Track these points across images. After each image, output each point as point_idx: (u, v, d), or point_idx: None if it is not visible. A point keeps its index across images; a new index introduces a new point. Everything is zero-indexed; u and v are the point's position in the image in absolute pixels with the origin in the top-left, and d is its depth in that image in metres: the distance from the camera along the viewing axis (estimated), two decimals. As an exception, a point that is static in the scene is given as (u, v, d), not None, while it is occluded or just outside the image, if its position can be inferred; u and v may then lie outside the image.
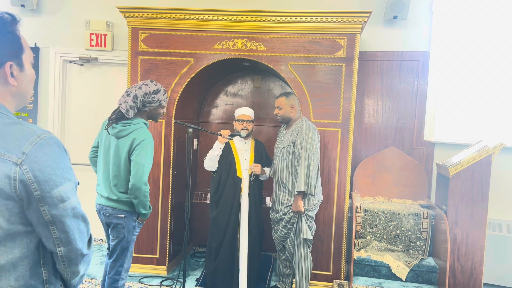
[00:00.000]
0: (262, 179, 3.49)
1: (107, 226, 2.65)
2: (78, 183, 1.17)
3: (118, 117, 2.55)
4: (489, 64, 4.06)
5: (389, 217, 3.71)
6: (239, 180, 3.36)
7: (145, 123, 2.59)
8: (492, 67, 4.05)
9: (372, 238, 3.75)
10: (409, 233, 3.67)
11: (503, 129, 4.03)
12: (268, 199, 4.32)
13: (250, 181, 3.38)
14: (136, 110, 2.56)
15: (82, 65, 4.68)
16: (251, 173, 3.37)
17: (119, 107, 2.56)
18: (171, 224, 3.84)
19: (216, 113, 4.67)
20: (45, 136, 1.08)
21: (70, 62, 4.66)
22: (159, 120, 3.71)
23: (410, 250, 3.66)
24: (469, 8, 4.07)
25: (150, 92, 2.55)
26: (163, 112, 2.72)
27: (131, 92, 2.55)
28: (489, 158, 3.25)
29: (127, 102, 2.52)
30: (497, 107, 4.05)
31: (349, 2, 4.22)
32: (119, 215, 2.55)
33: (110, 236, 2.63)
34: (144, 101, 2.55)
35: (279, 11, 3.54)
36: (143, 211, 2.56)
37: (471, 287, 3.32)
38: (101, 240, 4.66)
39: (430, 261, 3.52)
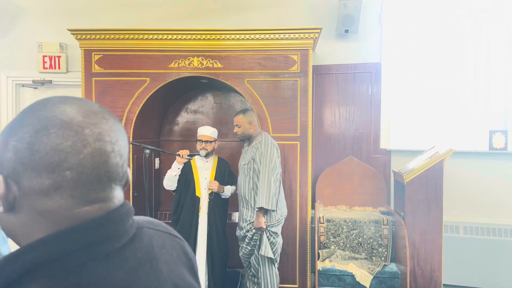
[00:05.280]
0: (223, 197, 3.48)
1: None
2: None
3: None
4: (437, 72, 4.26)
5: (351, 226, 3.78)
6: (197, 200, 3.34)
7: None
8: (441, 75, 4.25)
9: (336, 247, 3.81)
10: (371, 240, 3.75)
11: (453, 134, 4.22)
12: (234, 214, 4.31)
13: (209, 199, 3.37)
14: None
15: (36, 88, 4.55)
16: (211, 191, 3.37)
17: None
18: (134, 247, 3.75)
19: (178, 131, 4.64)
20: None
21: (23, 86, 4.53)
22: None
23: (373, 257, 3.74)
24: (416, 20, 4.27)
25: None
26: None
27: None
28: (440, 163, 3.38)
29: None
30: (447, 113, 4.24)
31: (302, 18, 4.33)
32: None
33: None
34: None
35: (233, 29, 3.59)
36: None
37: (432, 290, 3.42)
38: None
39: (393, 267, 3.60)
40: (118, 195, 0.65)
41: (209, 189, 3.34)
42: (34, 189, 0.58)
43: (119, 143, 0.64)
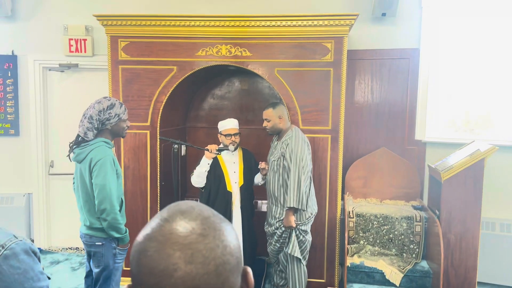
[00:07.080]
0: (261, 183, 3.40)
1: (88, 254, 2.57)
2: (49, 278, 1.12)
3: (77, 141, 2.48)
4: (480, 60, 3.97)
5: (382, 221, 3.67)
6: (229, 195, 3.28)
7: (105, 141, 2.49)
8: (484, 63, 3.96)
9: (365, 243, 3.72)
10: (402, 236, 3.64)
11: (494, 126, 3.97)
12: (259, 202, 4.26)
13: (240, 192, 3.31)
14: (95, 131, 2.46)
15: (62, 71, 4.52)
16: (263, 171, 3.33)
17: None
18: (162, 236, 3.76)
19: (204, 117, 4.55)
20: (11, 245, 1.02)
21: (50, 70, 4.49)
22: (141, 131, 3.60)
23: (404, 254, 3.63)
24: (459, 3, 3.95)
25: (104, 108, 2.45)
26: (126, 126, 2.62)
27: (86, 113, 2.47)
28: (481, 162, 3.19)
29: (84, 125, 2.45)
30: (490, 104, 3.98)
31: (335, 3, 4.07)
32: (97, 243, 2.47)
33: (92, 264, 2.55)
34: (100, 119, 2.45)
35: (263, 16, 3.40)
36: (116, 235, 2.47)
37: (465, 290, 3.31)
38: (77, 248, 4.62)
39: (424, 265, 3.50)
40: None
41: (263, 171, 3.29)
42: None
43: (216, 261, 0.59)
